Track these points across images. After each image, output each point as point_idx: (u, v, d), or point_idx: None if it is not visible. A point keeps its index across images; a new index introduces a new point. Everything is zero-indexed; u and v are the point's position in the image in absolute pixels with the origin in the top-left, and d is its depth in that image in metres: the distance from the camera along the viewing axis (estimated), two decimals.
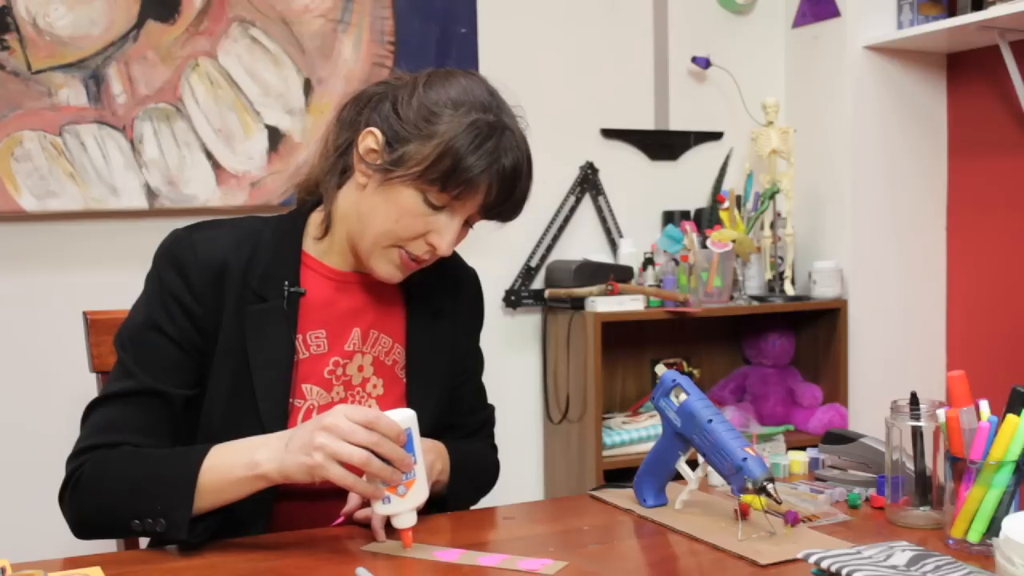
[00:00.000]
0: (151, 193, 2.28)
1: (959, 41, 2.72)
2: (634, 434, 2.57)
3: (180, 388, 1.22)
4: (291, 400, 1.25)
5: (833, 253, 2.82)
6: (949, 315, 2.93)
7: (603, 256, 2.73)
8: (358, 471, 1.09)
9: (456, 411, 1.41)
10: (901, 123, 2.84)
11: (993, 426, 1.10)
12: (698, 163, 2.91)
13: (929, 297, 2.92)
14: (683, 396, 1.23)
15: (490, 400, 1.49)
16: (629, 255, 2.72)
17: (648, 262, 2.73)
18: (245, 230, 1.28)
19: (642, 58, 2.83)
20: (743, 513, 1.18)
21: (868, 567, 0.97)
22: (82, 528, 1.19)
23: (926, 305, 2.91)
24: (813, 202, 2.88)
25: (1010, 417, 1.09)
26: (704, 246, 2.64)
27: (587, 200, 2.76)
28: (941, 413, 1.15)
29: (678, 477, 1.27)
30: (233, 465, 1.12)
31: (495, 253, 2.50)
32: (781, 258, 2.77)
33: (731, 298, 2.69)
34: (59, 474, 1.20)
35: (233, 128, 2.35)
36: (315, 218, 1.32)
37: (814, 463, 1.46)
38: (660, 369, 1.34)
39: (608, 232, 2.79)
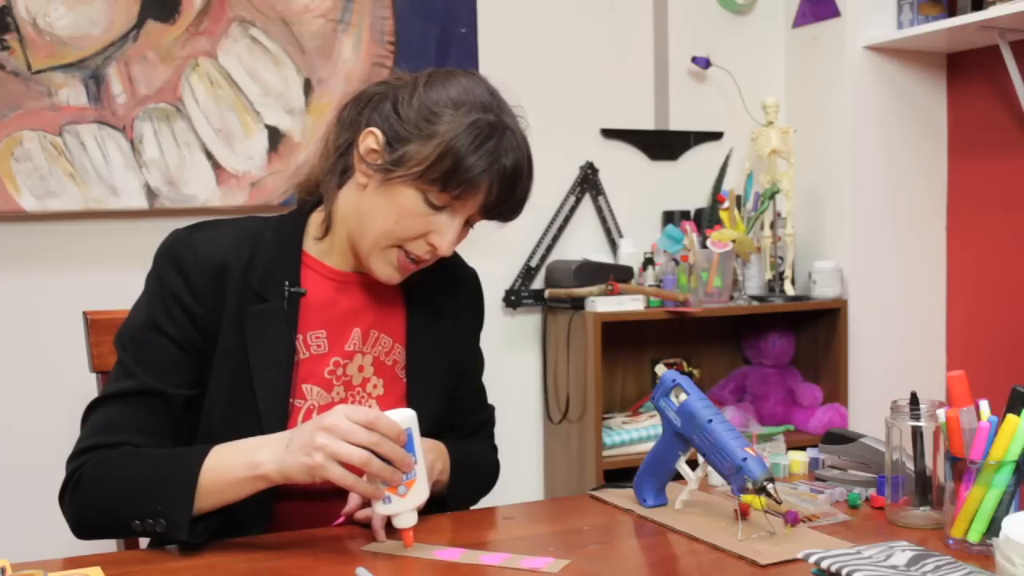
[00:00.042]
0: (151, 193, 2.28)
1: (959, 41, 2.72)
2: (634, 434, 2.57)
3: (180, 388, 1.22)
4: (291, 400, 1.25)
5: (833, 253, 2.82)
6: (949, 315, 2.93)
7: (603, 256, 2.73)
8: (358, 471, 1.09)
9: (456, 411, 1.41)
10: (901, 123, 2.84)
11: (993, 426, 1.10)
12: (698, 163, 2.91)
13: (929, 297, 2.92)
14: (683, 396, 1.23)
15: (490, 400, 1.49)
16: (629, 255, 2.72)
17: (648, 262, 2.73)
18: (245, 230, 1.28)
19: (642, 58, 2.83)
20: (743, 513, 1.18)
21: (868, 567, 0.97)
22: (82, 528, 1.19)
23: (926, 305, 2.92)
24: (813, 202, 2.88)
25: (1010, 417, 1.09)
26: (704, 246, 2.64)
27: (587, 200, 2.76)
28: (941, 413, 1.15)
29: (678, 477, 1.27)
30: (234, 465, 1.12)
31: (495, 253, 2.50)
32: (781, 258, 2.77)
33: (731, 298, 2.69)
34: (59, 474, 1.20)
35: (233, 128, 2.35)
36: (315, 218, 1.32)
37: (814, 463, 1.46)
38: (660, 369, 1.34)
39: (608, 232, 2.79)
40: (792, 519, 1.19)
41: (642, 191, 2.83)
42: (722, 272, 2.63)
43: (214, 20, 2.32)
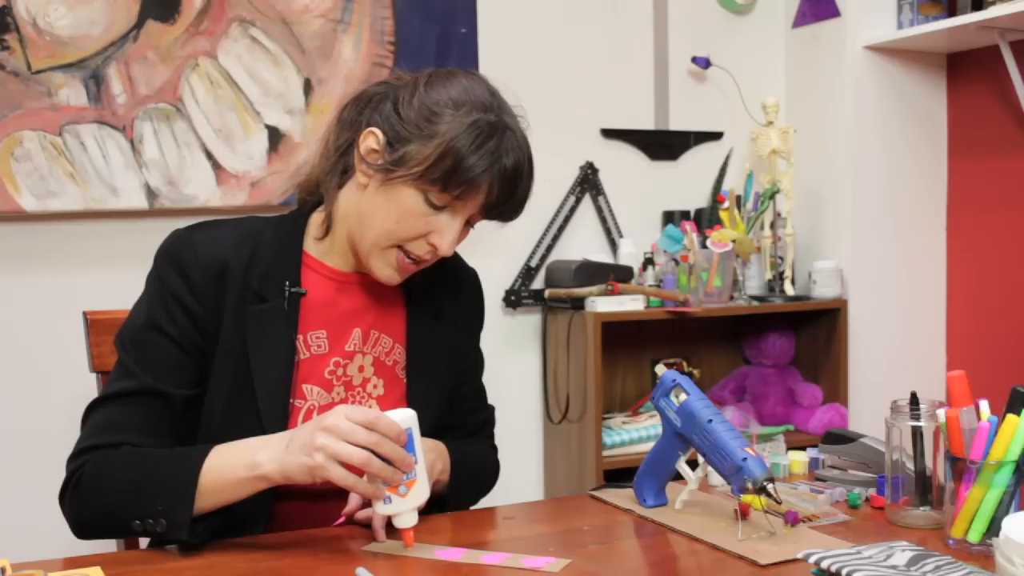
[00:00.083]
0: (151, 193, 2.28)
1: (959, 41, 2.72)
2: (634, 434, 2.57)
3: (181, 388, 1.22)
4: (291, 400, 1.25)
5: (833, 253, 2.82)
6: (949, 315, 2.93)
7: (603, 256, 2.73)
8: (359, 471, 1.09)
9: (456, 411, 1.41)
10: (901, 123, 2.84)
11: (993, 426, 1.10)
12: (698, 163, 2.91)
13: (929, 297, 2.92)
14: (683, 396, 1.23)
15: (490, 400, 1.49)
16: (629, 255, 2.72)
17: (648, 262, 2.73)
18: (246, 230, 1.28)
19: (642, 58, 2.83)
20: (743, 513, 1.18)
21: (868, 567, 0.97)
22: (83, 528, 1.19)
23: (926, 305, 2.92)
24: (813, 202, 2.88)
25: (1010, 417, 1.09)
26: (704, 246, 2.64)
27: (587, 200, 2.76)
28: (941, 413, 1.15)
29: (678, 477, 1.27)
30: (234, 466, 1.12)
31: (495, 253, 2.50)
32: (781, 258, 2.77)
33: (731, 298, 2.69)
34: (59, 474, 1.20)
35: (233, 128, 2.35)
36: (316, 218, 1.32)
37: (814, 463, 1.46)
38: (660, 369, 1.34)
39: (608, 232, 2.79)
40: (792, 519, 1.19)
41: (642, 191, 2.83)
42: (722, 272, 2.63)
43: (214, 20, 2.32)
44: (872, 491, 1.31)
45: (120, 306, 1.42)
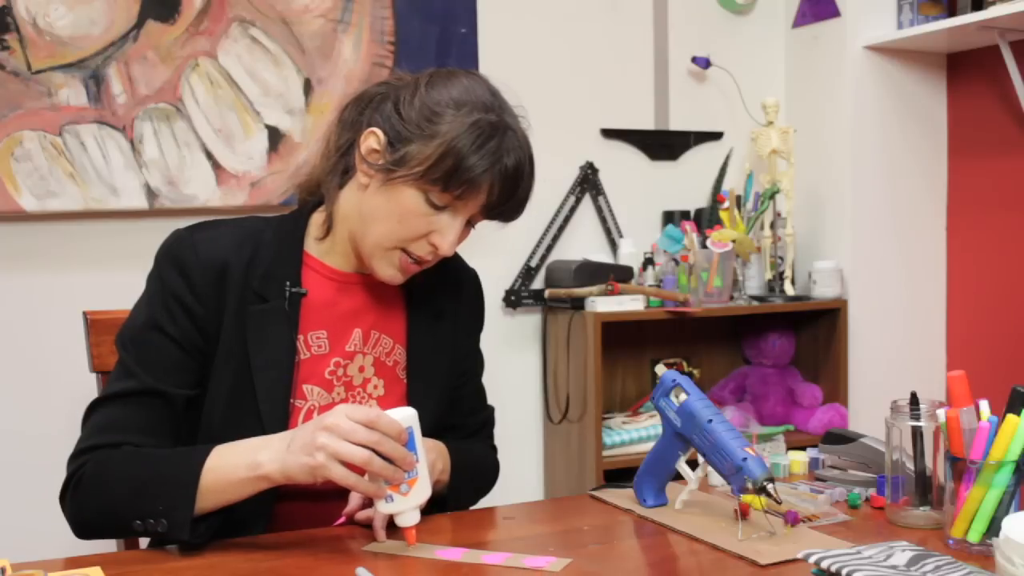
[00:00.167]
0: (151, 193, 2.28)
1: (959, 41, 2.72)
2: (634, 434, 2.57)
3: (181, 388, 1.22)
4: (292, 401, 1.25)
5: (833, 253, 2.82)
6: (949, 315, 2.93)
7: (603, 256, 2.73)
8: (360, 470, 1.09)
9: (456, 412, 1.41)
10: (901, 123, 2.84)
11: (993, 426, 1.10)
12: (698, 163, 2.91)
13: (929, 297, 2.92)
14: (683, 396, 1.23)
15: (490, 400, 1.49)
16: (629, 255, 2.72)
17: (648, 262, 2.73)
18: (246, 230, 1.28)
19: (642, 58, 2.83)
20: (743, 513, 1.18)
21: (868, 567, 0.97)
22: (83, 528, 1.19)
23: (926, 305, 2.92)
24: (813, 202, 2.88)
25: (1010, 417, 1.09)
26: (704, 246, 2.64)
27: (587, 200, 2.76)
28: (941, 413, 1.15)
29: (678, 477, 1.27)
30: (235, 466, 1.12)
31: (495, 253, 2.50)
32: (781, 258, 2.77)
33: (731, 298, 2.69)
34: (59, 474, 1.20)
35: (233, 128, 2.35)
36: (317, 218, 1.32)
37: (814, 463, 1.46)
38: (660, 369, 1.34)
39: (608, 232, 2.79)
40: (792, 519, 1.19)
41: (642, 191, 2.83)
42: (722, 272, 2.63)
43: (214, 20, 2.32)
44: (872, 491, 1.31)
45: (120, 306, 1.42)
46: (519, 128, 1.24)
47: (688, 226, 2.69)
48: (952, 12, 2.66)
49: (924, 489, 1.19)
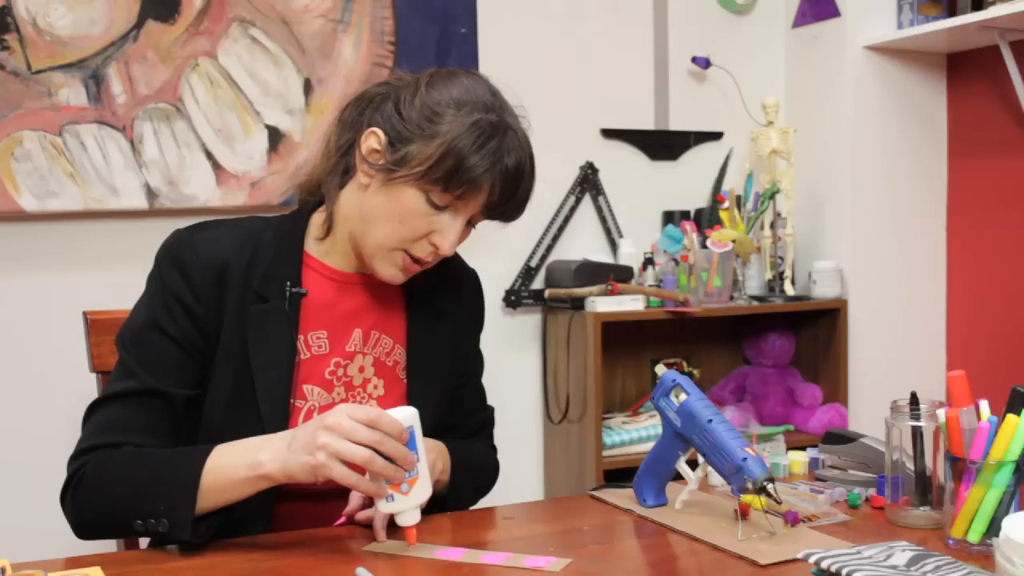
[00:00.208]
0: (151, 193, 2.28)
1: (959, 41, 2.72)
2: (634, 434, 2.57)
3: (181, 388, 1.22)
4: (292, 401, 1.25)
5: (833, 253, 2.82)
6: (949, 315, 2.93)
7: (603, 256, 2.73)
8: (361, 470, 1.09)
9: (456, 412, 1.41)
10: (901, 123, 2.84)
11: (993, 426, 1.10)
12: (698, 163, 2.91)
13: (929, 297, 2.92)
14: (683, 396, 1.23)
15: (490, 400, 1.49)
16: (629, 255, 2.72)
17: (648, 262, 2.73)
18: (246, 230, 1.29)
19: (642, 58, 2.83)
20: (743, 513, 1.18)
21: (868, 567, 0.97)
22: (84, 528, 1.19)
23: (926, 305, 2.92)
24: (813, 202, 2.88)
25: (1010, 417, 1.09)
26: (704, 246, 2.64)
27: (587, 200, 2.76)
28: (941, 413, 1.15)
29: (678, 477, 1.27)
30: (236, 466, 1.12)
31: (495, 253, 2.50)
32: (781, 258, 2.77)
33: (731, 298, 2.69)
34: (60, 474, 1.20)
35: (233, 128, 2.35)
36: (317, 218, 1.32)
37: (814, 463, 1.46)
38: (660, 369, 1.34)
39: (608, 232, 2.79)
40: (792, 519, 1.19)
41: (642, 191, 2.83)
42: (722, 272, 2.63)
43: (214, 20, 2.32)
44: (872, 491, 1.31)
45: (120, 306, 1.42)
46: (519, 128, 1.24)
47: (688, 226, 2.69)
48: (952, 12, 2.66)
49: (924, 489, 1.19)
